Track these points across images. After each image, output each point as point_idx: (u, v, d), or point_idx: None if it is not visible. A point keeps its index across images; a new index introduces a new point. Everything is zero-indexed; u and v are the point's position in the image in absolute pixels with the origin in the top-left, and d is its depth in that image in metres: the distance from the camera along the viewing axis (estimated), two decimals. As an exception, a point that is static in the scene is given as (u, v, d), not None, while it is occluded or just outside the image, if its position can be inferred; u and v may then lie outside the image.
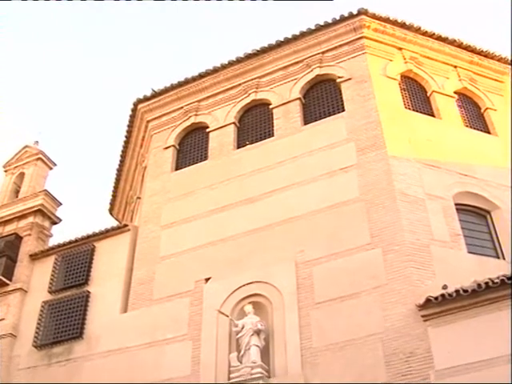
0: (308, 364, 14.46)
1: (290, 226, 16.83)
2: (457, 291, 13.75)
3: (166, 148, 21.38)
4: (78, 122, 58.31)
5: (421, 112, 19.20)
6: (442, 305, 13.88)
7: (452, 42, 20.73)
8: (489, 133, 19.76)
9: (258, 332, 15.08)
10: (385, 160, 16.94)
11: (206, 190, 19.18)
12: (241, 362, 14.85)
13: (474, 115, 20.27)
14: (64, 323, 18.26)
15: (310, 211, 16.86)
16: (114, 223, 23.46)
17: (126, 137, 23.55)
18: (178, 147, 21.47)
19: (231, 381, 14.68)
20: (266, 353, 15.00)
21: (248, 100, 20.94)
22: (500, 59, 21.26)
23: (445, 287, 14.08)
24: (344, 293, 15.04)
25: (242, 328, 15.23)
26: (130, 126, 23.20)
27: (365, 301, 14.76)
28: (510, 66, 21.29)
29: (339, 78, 19.68)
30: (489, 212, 17.37)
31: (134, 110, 22.79)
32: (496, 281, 13.57)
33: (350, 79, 19.43)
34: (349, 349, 14.27)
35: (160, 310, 17.14)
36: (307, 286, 15.56)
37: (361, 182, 16.77)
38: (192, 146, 21.20)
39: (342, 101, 19.14)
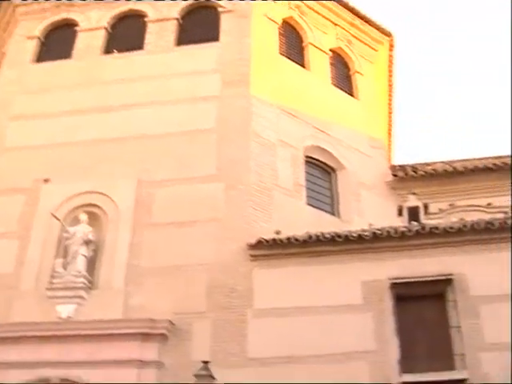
0: (132, 282, 14.53)
1: (141, 143, 16.58)
2: (288, 238, 14.24)
3: (31, 38, 20.16)
4: None
5: (293, 60, 19.29)
6: (272, 248, 14.36)
7: (338, 0, 20.87)
8: (352, 95, 20.26)
9: (87, 242, 14.95)
10: (246, 99, 16.99)
11: (64, 89, 18.36)
12: (65, 270, 14.68)
13: (342, 76, 20.68)
14: None
15: (163, 133, 16.67)
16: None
17: (-12, 17, 22.09)
18: (43, 39, 20.31)
19: (53, 286, 14.54)
20: (92, 264, 14.91)
21: (125, 8, 20.09)
22: (379, 28, 21.71)
23: (278, 232, 14.51)
24: (181, 219, 15.16)
25: (73, 236, 15.00)
26: (-4, 6, 21.75)
27: (199, 231, 14.96)
28: (387, 38, 21.81)
29: (221, 7, 19.32)
30: (334, 170, 18.01)
31: (4, -9, 21.37)
32: (327, 235, 14.18)
33: (231, 11, 19.14)
34: (175, 274, 14.47)
35: (-7, 202, 16.48)
36: (146, 206, 15.53)
37: (218, 115, 16.77)
38: (58, 42, 20.05)
39: (218, 31, 18.83)
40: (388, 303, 13.58)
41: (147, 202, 15.59)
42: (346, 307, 13.67)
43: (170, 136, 16.61)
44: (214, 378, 12.50)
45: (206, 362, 12.63)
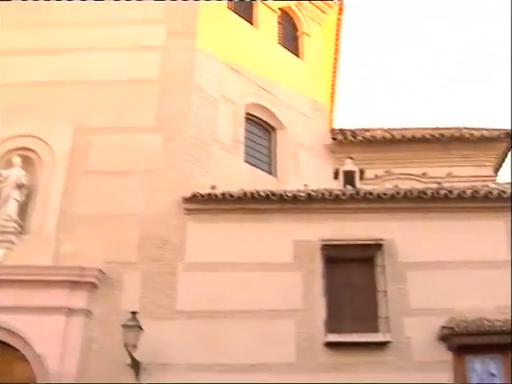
0: (64, 228, 14.32)
1: (81, 89, 16.13)
2: (223, 194, 14.26)
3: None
4: None
5: (241, 16, 19.08)
6: (207, 203, 14.35)
7: (291, -42, 20.61)
8: (298, 56, 20.20)
9: (20, 186, 14.61)
10: (191, 51, 16.72)
11: (7, 28, 17.40)
12: (-4, 213, 14.39)
13: (289, 36, 20.58)
14: None
15: (105, 79, 16.25)
16: None
17: None
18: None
19: (-19, 231, 14.21)
20: (24, 209, 14.64)
21: (74, -51, 19.40)
22: (331, -8, 21.58)
23: (213, 187, 14.50)
24: (117, 168, 14.97)
25: (6, 179, 14.64)
26: None
27: (135, 181, 14.83)
28: (337, 1, 21.72)
29: (171, -43, 18.85)
30: (274, 129, 18.08)
31: None
32: (262, 193, 14.25)
33: (181, -38, 18.71)
34: (108, 223, 14.33)
35: None
36: (82, 153, 15.21)
37: (162, 66, 16.44)
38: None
39: (167, -19, 18.37)
40: (318, 264, 13.79)
41: (84, 149, 15.27)
42: (276, 265, 13.84)
43: (112, 83, 16.23)
44: (141, 328, 12.53)
45: (134, 313, 12.65)
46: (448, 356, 12.99)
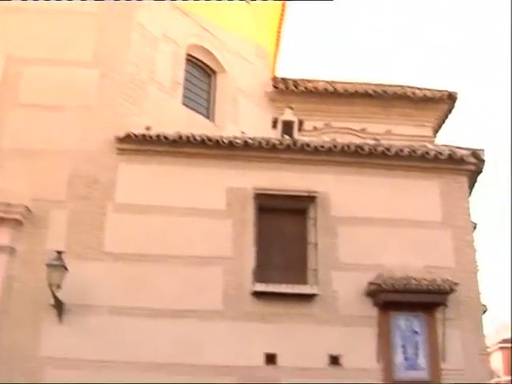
0: (-6, 162, 13.78)
1: (14, 17, 15.20)
2: (158, 135, 13.88)
3: None
4: None
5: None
6: (141, 144, 13.96)
7: None
8: (244, -1, 19.74)
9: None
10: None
11: None
12: None
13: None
14: None
15: (40, 8, 15.28)
16: None
17: None
18: None
19: None
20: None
21: None
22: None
23: (148, 128, 14.11)
24: (49, 102, 14.36)
25: None
26: None
27: (68, 116, 14.28)
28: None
29: None
30: (215, 73, 17.66)
31: None
32: (197, 138, 13.94)
33: None
34: (37, 159, 13.84)
35: None
36: (13, 85, 14.52)
37: (102, 2, 15.67)
38: None
39: None
40: (250, 212, 13.67)
41: (14, 80, 14.56)
42: (208, 211, 13.66)
43: (47, 13, 15.38)
44: (66, 268, 12.27)
45: (59, 252, 12.35)
46: (374, 312, 13.15)
